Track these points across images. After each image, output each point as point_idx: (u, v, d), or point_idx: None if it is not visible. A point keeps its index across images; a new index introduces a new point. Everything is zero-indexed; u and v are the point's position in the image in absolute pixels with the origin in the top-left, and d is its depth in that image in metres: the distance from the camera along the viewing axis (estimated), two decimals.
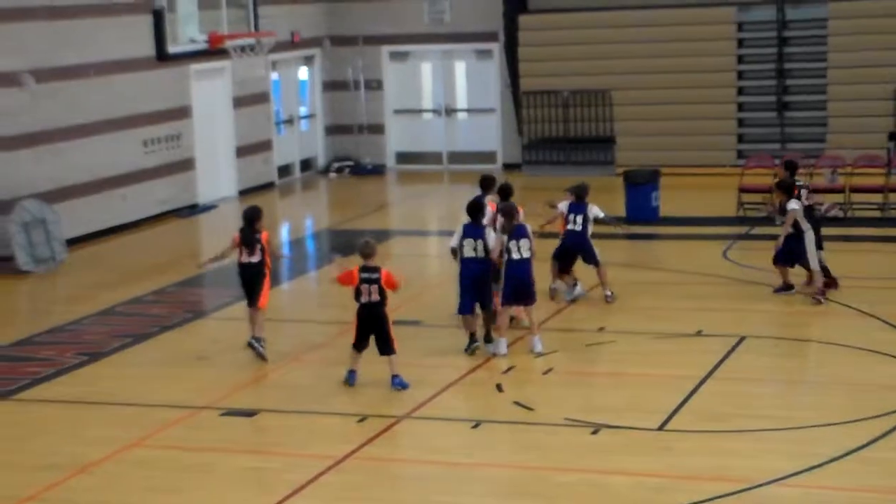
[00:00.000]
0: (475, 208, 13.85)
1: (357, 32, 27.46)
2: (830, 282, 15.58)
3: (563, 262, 15.72)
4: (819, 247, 15.41)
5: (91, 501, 10.30)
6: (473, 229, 13.68)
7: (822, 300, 15.18)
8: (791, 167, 16.42)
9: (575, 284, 15.84)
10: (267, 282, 13.99)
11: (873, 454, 10.60)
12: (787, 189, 15.63)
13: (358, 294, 12.59)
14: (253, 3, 24.42)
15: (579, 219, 15.53)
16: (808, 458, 10.49)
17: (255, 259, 13.85)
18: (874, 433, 10.97)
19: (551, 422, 11.59)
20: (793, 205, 15.28)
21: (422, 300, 15.84)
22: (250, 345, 13.88)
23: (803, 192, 15.90)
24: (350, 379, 12.77)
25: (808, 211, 15.56)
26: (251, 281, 13.93)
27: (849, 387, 12.43)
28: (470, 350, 13.63)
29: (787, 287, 15.59)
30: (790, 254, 15.35)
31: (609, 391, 12.63)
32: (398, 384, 12.63)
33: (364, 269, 12.60)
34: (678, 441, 11.07)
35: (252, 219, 13.97)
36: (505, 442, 11.42)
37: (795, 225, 15.23)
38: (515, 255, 13.49)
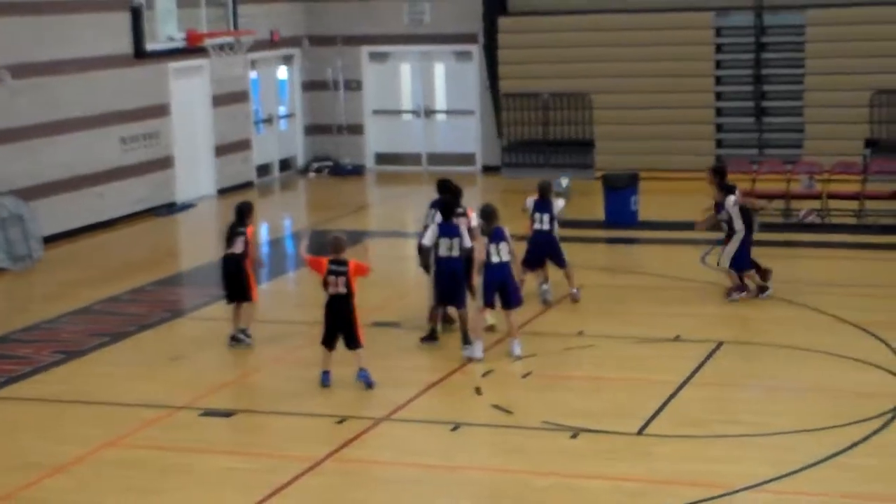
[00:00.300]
0: (448, 207, 13.84)
1: (336, 32, 27.43)
2: (764, 274, 15.76)
3: (532, 262, 15.71)
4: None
5: (67, 502, 10.26)
6: (448, 228, 13.70)
7: (737, 297, 15.50)
8: (719, 172, 16.31)
9: (545, 282, 15.86)
10: (250, 274, 14.24)
11: (850, 460, 10.66)
12: (727, 188, 15.78)
13: (326, 285, 12.72)
14: (232, 2, 24.36)
15: (545, 217, 15.52)
16: (786, 464, 10.53)
17: (237, 251, 14.11)
18: (851, 439, 11.03)
19: (530, 425, 11.61)
20: (730, 200, 15.44)
21: (401, 302, 15.84)
22: (235, 338, 13.92)
23: (736, 194, 15.95)
24: (324, 380, 12.77)
25: (745, 212, 15.70)
26: (231, 273, 14.20)
27: (826, 393, 12.49)
28: (426, 341, 13.92)
29: (739, 289, 15.75)
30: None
31: (588, 395, 12.64)
32: (363, 377, 12.69)
33: (333, 261, 12.69)
34: (656, 446, 11.10)
35: (242, 213, 14.28)
36: (484, 445, 11.43)
37: (729, 224, 15.45)
38: (494, 259, 13.50)
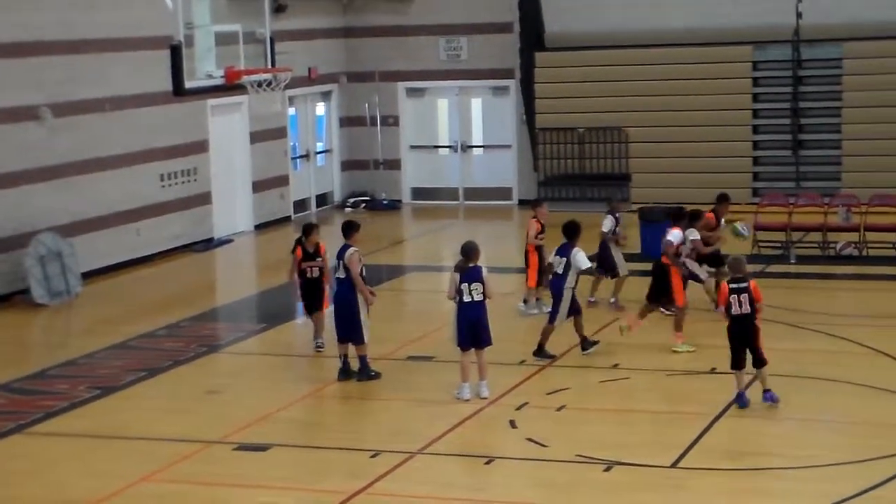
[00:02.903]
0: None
1: (374, 68, 27.59)
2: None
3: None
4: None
5: None
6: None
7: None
8: (677, 216, 16.04)
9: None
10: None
11: (887, 493, 10.54)
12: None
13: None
14: (270, 39, 24.50)
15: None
16: (822, 498, 10.43)
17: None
18: (887, 473, 10.90)
19: (564, 458, 11.56)
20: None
21: (436, 336, 15.82)
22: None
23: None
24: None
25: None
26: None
27: (862, 426, 12.37)
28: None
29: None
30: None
31: (622, 428, 12.58)
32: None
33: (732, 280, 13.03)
34: (691, 479, 11.02)
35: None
36: (518, 478, 11.38)
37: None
38: (466, 298, 13.26)
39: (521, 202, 26.98)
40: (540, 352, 14.83)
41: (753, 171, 25.47)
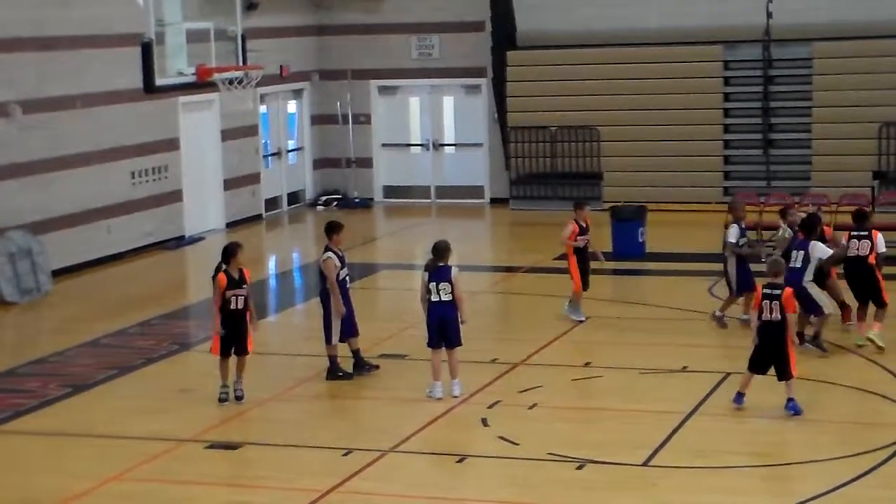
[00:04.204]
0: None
1: (346, 66, 27.54)
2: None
3: None
4: None
5: None
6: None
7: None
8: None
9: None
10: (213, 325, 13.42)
11: (858, 491, 10.61)
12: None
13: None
14: (242, 37, 24.44)
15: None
16: (793, 496, 10.49)
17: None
18: (859, 470, 10.98)
19: (536, 457, 11.58)
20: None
21: (408, 334, 15.83)
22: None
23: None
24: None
25: None
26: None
27: (833, 423, 12.45)
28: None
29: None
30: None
31: (594, 426, 12.61)
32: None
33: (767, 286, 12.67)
34: (663, 477, 11.06)
35: (225, 254, 13.39)
36: (490, 477, 11.40)
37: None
38: (434, 297, 13.26)
39: (493, 200, 27.01)
40: (815, 340, 14.62)
41: (724, 169, 25.57)
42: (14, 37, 19.77)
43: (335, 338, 14.06)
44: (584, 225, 16.43)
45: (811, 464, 11.27)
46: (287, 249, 24.33)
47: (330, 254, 14.06)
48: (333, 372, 14.16)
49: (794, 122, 25.30)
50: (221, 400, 13.36)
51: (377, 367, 14.35)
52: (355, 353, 14.27)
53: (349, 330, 14.14)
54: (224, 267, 13.27)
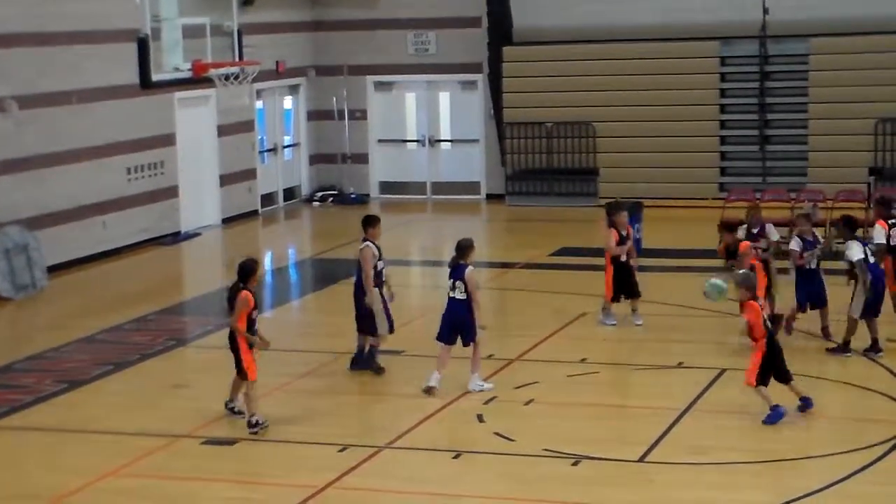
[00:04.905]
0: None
1: (342, 62, 27.52)
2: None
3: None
4: None
5: None
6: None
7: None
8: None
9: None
10: (243, 349, 12.32)
11: (853, 487, 10.62)
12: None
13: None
14: (238, 33, 24.46)
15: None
16: (788, 492, 10.50)
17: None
18: (854, 466, 10.99)
19: (532, 453, 11.58)
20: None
21: (405, 330, 15.78)
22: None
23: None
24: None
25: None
26: (231, 346, 12.46)
27: (828, 420, 12.46)
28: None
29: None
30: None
31: (590, 422, 12.62)
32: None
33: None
34: (659, 473, 11.07)
35: (242, 272, 12.40)
36: (485, 473, 11.40)
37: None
38: (450, 293, 13.45)
39: (489, 196, 27.01)
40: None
41: (720, 165, 25.59)
42: (10, 32, 19.74)
43: (381, 328, 13.98)
44: (625, 233, 16.09)
45: (807, 459, 11.28)
46: (283, 245, 24.32)
47: (368, 243, 14.02)
48: (366, 362, 14.05)
49: (790, 119, 25.31)
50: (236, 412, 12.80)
51: (384, 370, 14.31)
52: (372, 349, 14.21)
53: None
54: (242, 285, 12.28)
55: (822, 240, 15.31)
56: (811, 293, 14.93)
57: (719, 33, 25.51)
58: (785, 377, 12.41)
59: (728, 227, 16.31)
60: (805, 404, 12.42)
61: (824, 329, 15.12)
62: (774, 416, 12.11)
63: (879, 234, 14.98)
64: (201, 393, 13.79)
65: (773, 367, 12.29)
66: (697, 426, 12.30)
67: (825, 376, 13.70)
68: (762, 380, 12.23)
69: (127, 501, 10.76)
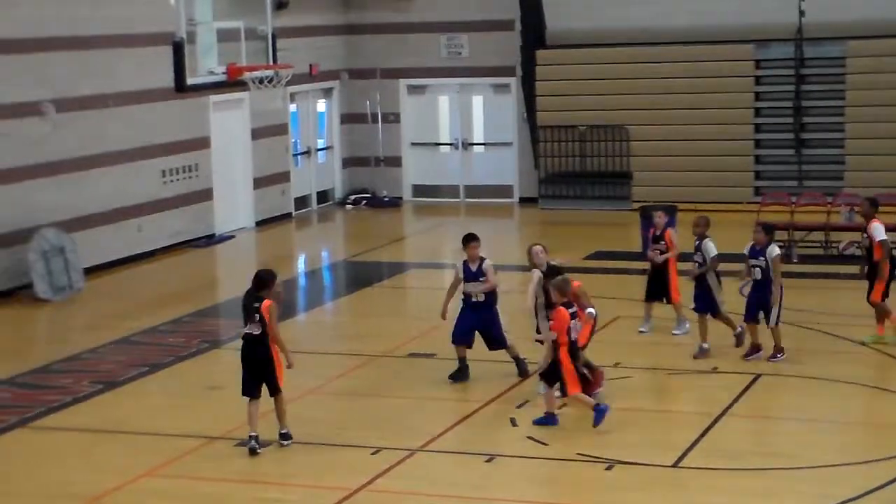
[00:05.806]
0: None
1: (375, 65, 27.58)
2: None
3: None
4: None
5: None
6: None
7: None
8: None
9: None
10: (277, 362, 11.97)
11: (888, 495, 10.54)
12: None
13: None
14: (272, 36, 24.55)
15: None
16: (824, 499, 10.43)
17: (256, 331, 11.97)
18: (889, 474, 10.91)
19: (565, 457, 11.57)
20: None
21: (437, 333, 15.81)
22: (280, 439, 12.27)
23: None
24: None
25: None
26: (254, 358, 12.04)
27: (866, 426, 12.39)
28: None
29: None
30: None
31: (624, 427, 12.57)
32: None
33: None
34: (693, 478, 11.03)
35: (258, 283, 12.05)
36: (519, 477, 11.39)
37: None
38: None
39: (522, 200, 26.99)
40: None
41: (755, 169, 25.47)
42: (47, 36, 19.89)
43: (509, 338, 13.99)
44: (659, 234, 16.18)
45: (843, 467, 11.20)
46: (316, 248, 24.39)
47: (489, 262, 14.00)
48: (525, 372, 13.91)
49: (826, 122, 25.15)
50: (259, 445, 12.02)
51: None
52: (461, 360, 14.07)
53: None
54: (260, 294, 11.97)
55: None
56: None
57: (754, 36, 25.38)
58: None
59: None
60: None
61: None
62: (598, 416, 12.15)
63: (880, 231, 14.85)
64: (236, 395, 13.78)
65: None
66: (732, 432, 12.24)
67: (863, 382, 13.60)
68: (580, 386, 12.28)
69: (162, 502, 10.82)
